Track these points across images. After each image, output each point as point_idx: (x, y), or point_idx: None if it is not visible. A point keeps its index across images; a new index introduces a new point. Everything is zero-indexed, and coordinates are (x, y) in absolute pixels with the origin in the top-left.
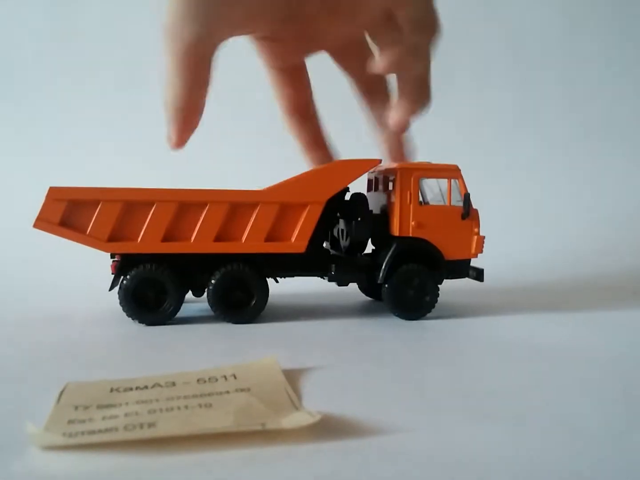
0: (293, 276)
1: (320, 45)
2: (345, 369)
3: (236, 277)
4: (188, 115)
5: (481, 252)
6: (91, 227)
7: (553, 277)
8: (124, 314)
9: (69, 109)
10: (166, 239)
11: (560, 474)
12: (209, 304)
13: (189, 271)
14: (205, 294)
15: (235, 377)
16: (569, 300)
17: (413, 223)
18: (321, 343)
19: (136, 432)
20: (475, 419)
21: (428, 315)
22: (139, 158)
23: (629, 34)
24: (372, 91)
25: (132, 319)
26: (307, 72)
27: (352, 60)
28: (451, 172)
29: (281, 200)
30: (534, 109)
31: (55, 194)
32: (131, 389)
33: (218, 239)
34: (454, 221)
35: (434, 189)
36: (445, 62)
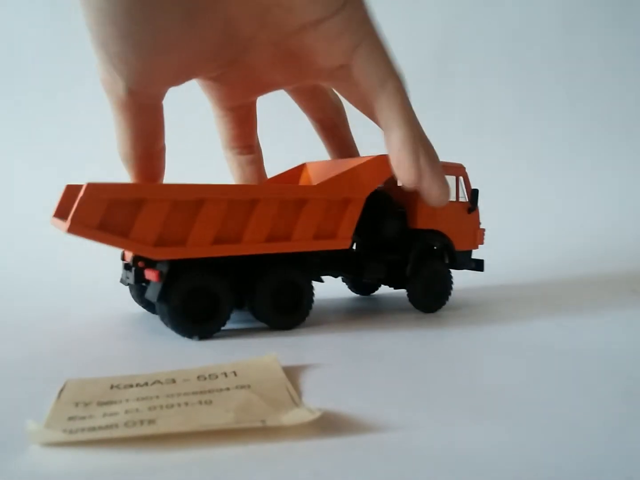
0: (335, 276)
1: (271, 88)
2: (345, 366)
3: (288, 279)
4: (137, 163)
5: (482, 243)
6: (135, 230)
7: (552, 274)
8: (124, 312)
9: (70, 108)
10: (216, 241)
11: (560, 471)
12: (256, 311)
13: (238, 276)
14: (250, 301)
15: (235, 374)
16: (569, 297)
17: (434, 217)
18: (321, 340)
19: (136, 428)
20: (475, 415)
21: (426, 313)
22: None
23: (629, 32)
24: (328, 128)
25: (183, 335)
26: (254, 110)
27: (307, 99)
28: (459, 170)
29: (328, 196)
30: (534, 107)
31: (94, 192)
32: (131, 386)
33: (268, 238)
34: (462, 215)
35: None
36: (445, 60)
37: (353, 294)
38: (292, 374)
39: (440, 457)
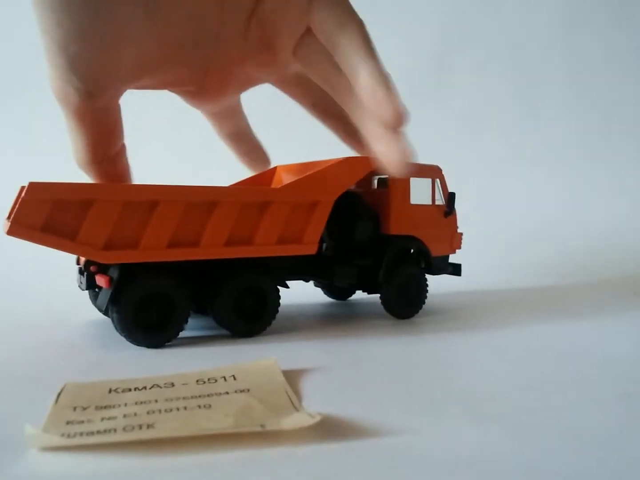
0: (306, 280)
1: (250, 85)
2: (344, 370)
3: (251, 285)
4: (99, 167)
5: (460, 248)
6: (83, 232)
7: (551, 277)
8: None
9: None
10: (171, 244)
11: (560, 474)
12: (217, 318)
13: (196, 281)
14: (210, 307)
15: (234, 378)
16: (568, 300)
17: (408, 222)
18: (320, 345)
19: (135, 433)
20: (475, 419)
21: (426, 317)
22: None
23: (629, 32)
24: (323, 109)
25: (135, 344)
26: (239, 104)
27: (293, 87)
28: (435, 172)
29: (294, 199)
30: (533, 109)
31: (36, 192)
32: (130, 390)
33: (228, 243)
34: (438, 219)
35: (417, 189)
36: (445, 60)
37: (350, 300)
38: (292, 378)
39: (440, 461)
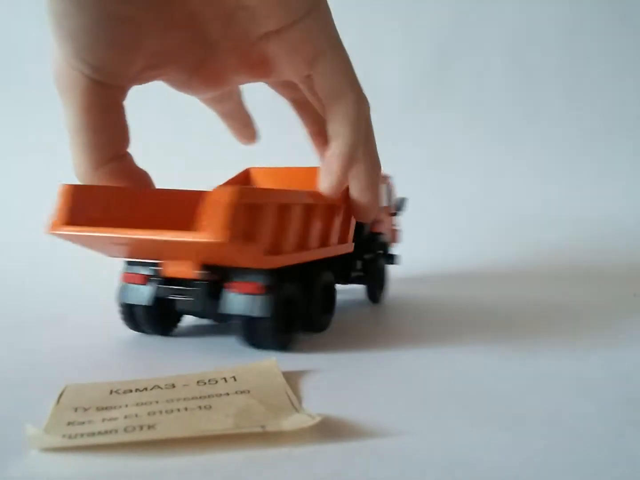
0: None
1: (247, 82)
2: (344, 371)
3: (330, 283)
4: (108, 168)
5: (398, 242)
6: (258, 238)
7: (550, 278)
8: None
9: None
10: (298, 248)
11: (560, 476)
12: (309, 315)
13: (302, 282)
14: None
15: (235, 379)
16: (567, 301)
17: (383, 221)
18: (320, 346)
19: (136, 434)
20: (474, 420)
21: (427, 318)
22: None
23: (630, 35)
24: (303, 104)
25: (276, 349)
26: (234, 89)
27: (280, 86)
28: (386, 179)
29: (345, 202)
30: (533, 111)
31: (241, 196)
32: (131, 391)
33: (321, 244)
34: (388, 218)
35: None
36: (445, 64)
37: (350, 301)
38: (292, 379)
39: (440, 462)
